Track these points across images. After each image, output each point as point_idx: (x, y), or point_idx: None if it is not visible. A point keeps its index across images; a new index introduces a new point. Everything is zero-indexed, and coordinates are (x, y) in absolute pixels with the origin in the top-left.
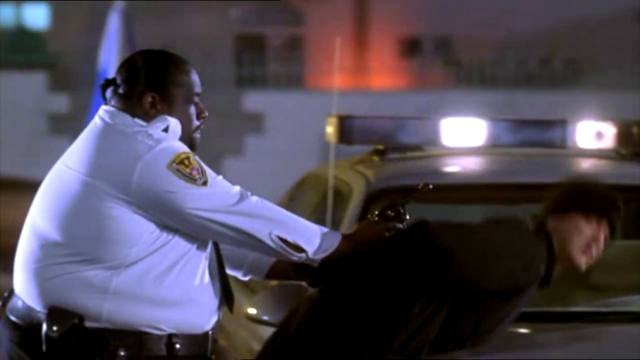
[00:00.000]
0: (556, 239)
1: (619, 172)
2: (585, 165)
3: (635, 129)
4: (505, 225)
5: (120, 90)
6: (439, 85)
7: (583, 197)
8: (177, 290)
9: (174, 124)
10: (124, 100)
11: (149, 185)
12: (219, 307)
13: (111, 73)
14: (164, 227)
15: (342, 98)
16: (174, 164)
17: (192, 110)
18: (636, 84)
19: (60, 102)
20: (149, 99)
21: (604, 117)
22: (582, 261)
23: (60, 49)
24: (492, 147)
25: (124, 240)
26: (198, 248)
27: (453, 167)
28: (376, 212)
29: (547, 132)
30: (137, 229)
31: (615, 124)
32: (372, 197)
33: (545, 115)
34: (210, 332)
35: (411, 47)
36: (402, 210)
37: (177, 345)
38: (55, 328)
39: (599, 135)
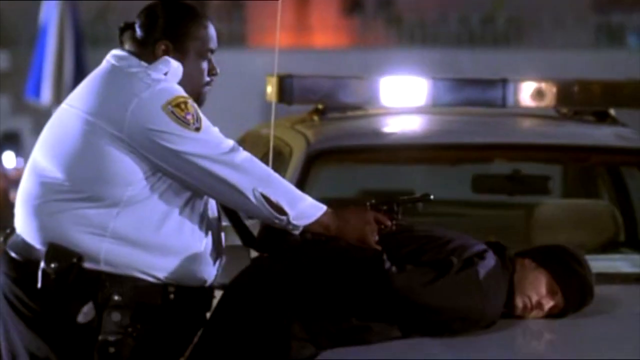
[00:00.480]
0: (517, 276)
1: (558, 132)
2: (526, 124)
3: (576, 88)
4: (472, 261)
5: (137, 36)
6: (381, 44)
7: (566, 270)
8: (175, 239)
9: (176, 66)
10: (138, 46)
11: (141, 122)
12: (218, 262)
13: (51, 30)
14: (159, 170)
15: (284, 56)
16: (169, 106)
17: (204, 65)
18: (579, 43)
19: (1, 59)
20: (163, 47)
21: (547, 76)
22: (519, 307)
23: (0, 6)
24: (432, 107)
25: (118, 178)
26: (197, 200)
27: (393, 127)
28: (369, 203)
29: (487, 92)
30: (131, 169)
31: (556, 83)
32: (312, 158)
33: (487, 74)
34: (211, 287)
35: (353, 5)
36: (395, 209)
37: (172, 296)
38: (53, 265)
39: (540, 94)
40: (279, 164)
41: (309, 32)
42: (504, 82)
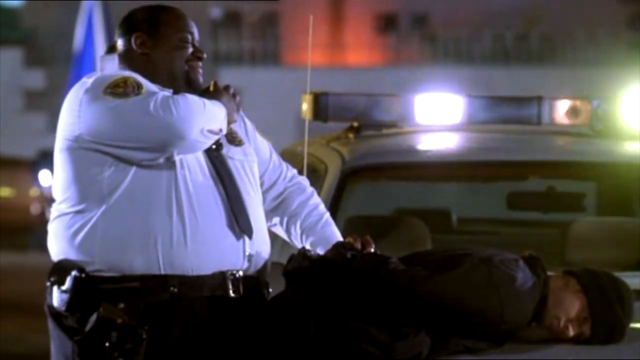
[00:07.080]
0: (556, 292)
1: (593, 149)
2: (561, 141)
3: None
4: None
5: (117, 45)
6: (415, 62)
7: (605, 304)
8: (163, 228)
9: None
10: (120, 55)
11: (90, 115)
12: (235, 247)
13: (88, 50)
14: (123, 161)
15: (319, 74)
16: (108, 89)
17: (185, 52)
18: (612, 60)
19: (36, 78)
20: (139, 40)
21: (580, 94)
22: (546, 324)
23: (36, 25)
24: (467, 124)
25: (86, 180)
26: (178, 187)
27: (428, 144)
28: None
29: (522, 109)
30: (95, 168)
31: (591, 101)
32: (347, 175)
33: (521, 92)
34: (228, 272)
35: (387, 24)
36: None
37: (173, 288)
38: (52, 279)
39: (575, 112)
40: (314, 181)
41: (343, 50)
42: (539, 99)
